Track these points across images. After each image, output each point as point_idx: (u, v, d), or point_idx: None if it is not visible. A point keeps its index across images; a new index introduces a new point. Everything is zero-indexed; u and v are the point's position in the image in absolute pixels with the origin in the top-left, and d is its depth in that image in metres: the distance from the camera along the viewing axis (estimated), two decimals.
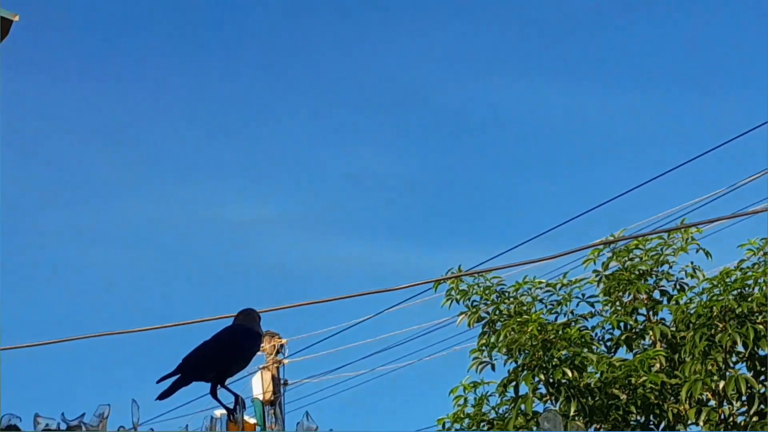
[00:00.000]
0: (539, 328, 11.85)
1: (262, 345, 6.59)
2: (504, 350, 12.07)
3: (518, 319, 12.02)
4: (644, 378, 11.55)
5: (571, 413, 11.47)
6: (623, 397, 11.70)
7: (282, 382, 21.55)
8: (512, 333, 11.95)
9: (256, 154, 29.92)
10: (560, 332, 11.90)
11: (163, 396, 5.93)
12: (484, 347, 12.28)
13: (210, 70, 29.68)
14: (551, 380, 11.80)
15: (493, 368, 12.25)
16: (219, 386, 6.14)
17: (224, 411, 6.27)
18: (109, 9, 28.30)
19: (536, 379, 11.90)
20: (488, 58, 29.22)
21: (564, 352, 11.85)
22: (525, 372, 11.88)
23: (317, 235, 29.52)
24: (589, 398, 11.72)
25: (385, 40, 28.96)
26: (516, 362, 12.04)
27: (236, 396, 6.21)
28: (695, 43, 28.70)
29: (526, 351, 11.91)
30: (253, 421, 6.54)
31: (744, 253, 12.01)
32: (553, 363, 11.77)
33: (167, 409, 17.68)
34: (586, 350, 11.85)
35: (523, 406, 11.72)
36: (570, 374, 11.70)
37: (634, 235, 12.20)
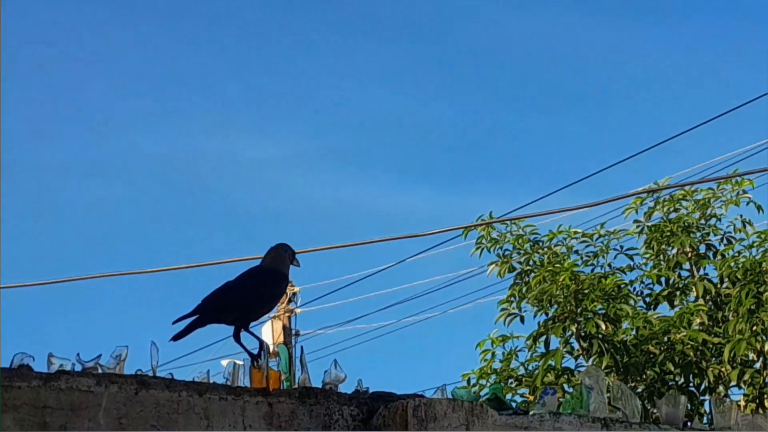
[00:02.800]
0: (572, 277, 11.21)
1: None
2: (534, 301, 11.44)
3: (550, 269, 11.37)
4: (683, 334, 10.93)
5: (603, 368, 10.83)
6: (659, 354, 11.06)
7: (294, 332, 21.02)
8: (543, 283, 11.32)
9: (271, 86, 28.92)
10: (595, 283, 11.25)
11: (178, 336, 5.56)
12: (513, 298, 11.65)
13: None
14: (583, 333, 11.17)
15: (522, 320, 11.64)
16: (243, 330, 5.68)
17: (244, 359, 5.80)
18: None
19: (568, 332, 11.26)
20: None
21: (598, 306, 11.21)
22: (556, 324, 11.24)
23: (337, 177, 28.73)
24: (624, 355, 11.09)
25: None
26: (546, 314, 11.41)
27: (261, 341, 5.79)
28: None
29: (558, 302, 11.27)
30: (276, 368, 6.00)
31: None
32: (586, 315, 11.14)
33: (187, 352, 17.19)
34: (620, 302, 11.21)
35: (552, 362, 11.09)
36: (604, 327, 11.07)
37: (680, 183, 11.53)
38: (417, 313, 18.60)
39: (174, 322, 5.55)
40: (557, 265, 11.42)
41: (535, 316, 11.54)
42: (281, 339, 20.51)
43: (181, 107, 29.19)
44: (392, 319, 19.23)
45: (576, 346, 11.38)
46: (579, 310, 11.23)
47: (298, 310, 21.09)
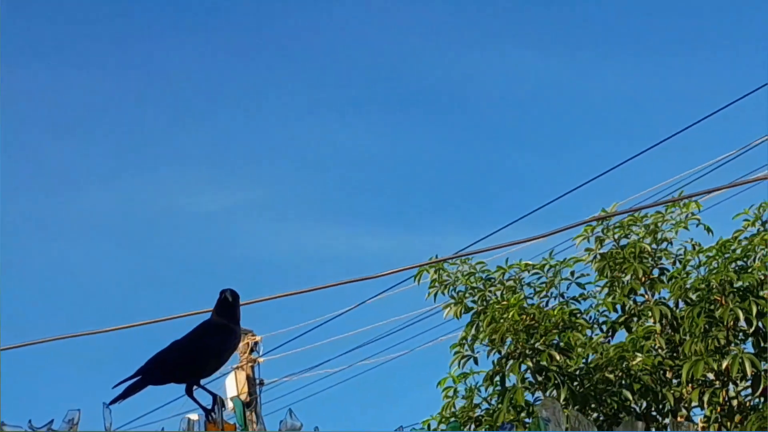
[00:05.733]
0: (521, 312, 11.22)
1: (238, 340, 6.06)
2: (486, 341, 11.42)
3: (496, 306, 11.38)
4: (639, 359, 10.94)
5: (561, 401, 10.81)
6: (614, 378, 11.04)
7: (258, 382, 20.94)
8: (493, 322, 11.30)
9: (216, 137, 28.88)
10: (543, 316, 11.25)
11: (119, 399, 5.57)
12: (464, 341, 11.62)
13: (169, 49, 28.64)
14: (537, 367, 11.16)
15: (476, 362, 11.58)
16: (195, 386, 5.70)
17: (200, 414, 5.81)
18: None
19: (524, 367, 11.24)
20: (469, 27, 28.19)
21: (555, 337, 11.22)
22: (511, 361, 11.21)
23: (288, 224, 28.65)
24: (580, 384, 11.08)
25: (360, 8, 27.88)
26: (500, 352, 11.37)
27: (214, 396, 5.79)
28: (687, 2, 27.66)
29: (510, 339, 11.26)
30: (232, 422, 6.01)
31: (742, 224, 11.43)
32: (538, 347, 11.14)
33: (142, 413, 17.08)
34: (572, 331, 11.21)
35: (512, 399, 11.02)
36: (558, 357, 11.06)
37: (628, 209, 11.60)
38: (380, 352, 18.57)
39: (114, 386, 5.57)
40: (503, 303, 11.41)
41: (488, 356, 11.49)
42: (245, 389, 20.42)
43: (131, 162, 29.10)
44: (355, 362, 19.20)
45: (533, 380, 11.33)
46: (532, 344, 11.22)
47: (260, 359, 21.02)
